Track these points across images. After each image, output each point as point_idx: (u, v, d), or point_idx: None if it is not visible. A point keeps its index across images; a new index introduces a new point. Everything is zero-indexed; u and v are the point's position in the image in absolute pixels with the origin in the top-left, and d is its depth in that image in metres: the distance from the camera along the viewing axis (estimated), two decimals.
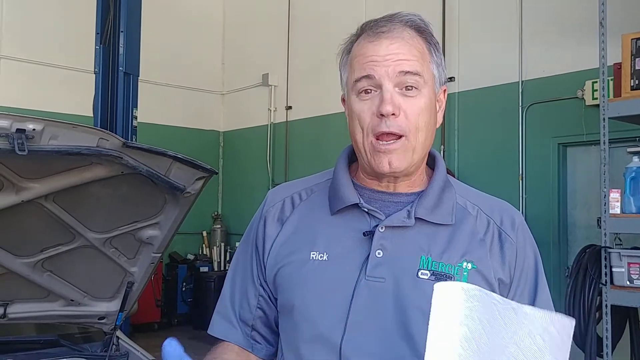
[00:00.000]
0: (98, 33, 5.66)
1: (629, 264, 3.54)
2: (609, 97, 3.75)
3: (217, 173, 2.37)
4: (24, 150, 1.91)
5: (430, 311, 0.86)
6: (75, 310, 2.73)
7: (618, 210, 3.58)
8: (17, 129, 1.90)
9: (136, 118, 5.76)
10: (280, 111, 8.48)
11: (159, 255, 2.61)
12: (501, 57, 5.81)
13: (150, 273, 2.69)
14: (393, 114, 1.10)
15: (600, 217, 3.68)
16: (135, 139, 5.58)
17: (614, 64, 3.86)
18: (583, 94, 5.16)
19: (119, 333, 2.90)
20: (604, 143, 3.67)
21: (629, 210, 3.57)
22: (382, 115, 1.10)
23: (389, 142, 1.12)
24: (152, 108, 7.73)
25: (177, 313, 8.49)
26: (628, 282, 3.52)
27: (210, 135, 9.44)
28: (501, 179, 5.58)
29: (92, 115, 5.70)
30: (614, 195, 3.59)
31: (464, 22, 6.19)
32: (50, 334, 2.89)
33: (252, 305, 1.25)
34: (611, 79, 3.94)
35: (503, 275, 1.16)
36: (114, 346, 2.83)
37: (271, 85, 8.51)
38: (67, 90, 7.71)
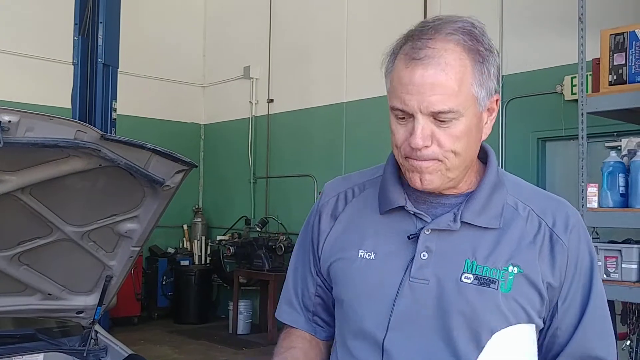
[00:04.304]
0: (77, 24, 5.58)
1: (605, 257, 3.58)
2: (587, 92, 3.78)
3: (196, 166, 2.35)
4: (0, 142, 1.88)
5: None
6: (53, 304, 2.70)
7: (595, 205, 3.62)
8: None
9: (115, 110, 5.70)
10: (262, 104, 8.44)
11: (138, 248, 2.59)
12: None
13: (130, 267, 2.67)
14: (425, 146, 1.09)
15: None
16: (115, 132, 5.53)
17: (593, 59, 3.89)
18: (562, 89, 5.22)
19: (97, 327, 2.87)
20: (582, 138, 3.71)
21: (606, 205, 3.60)
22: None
23: (420, 160, 1.11)
24: (131, 100, 7.64)
25: (157, 307, 8.43)
26: (605, 276, 3.57)
27: (191, 128, 9.37)
28: None
29: (68, 106, 5.62)
30: (592, 190, 3.63)
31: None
32: (28, 328, 2.86)
33: (311, 292, 1.34)
34: (590, 75, 3.97)
35: (552, 279, 1.15)
36: (93, 340, 2.80)
37: (253, 78, 8.46)
38: (43, 81, 7.59)
